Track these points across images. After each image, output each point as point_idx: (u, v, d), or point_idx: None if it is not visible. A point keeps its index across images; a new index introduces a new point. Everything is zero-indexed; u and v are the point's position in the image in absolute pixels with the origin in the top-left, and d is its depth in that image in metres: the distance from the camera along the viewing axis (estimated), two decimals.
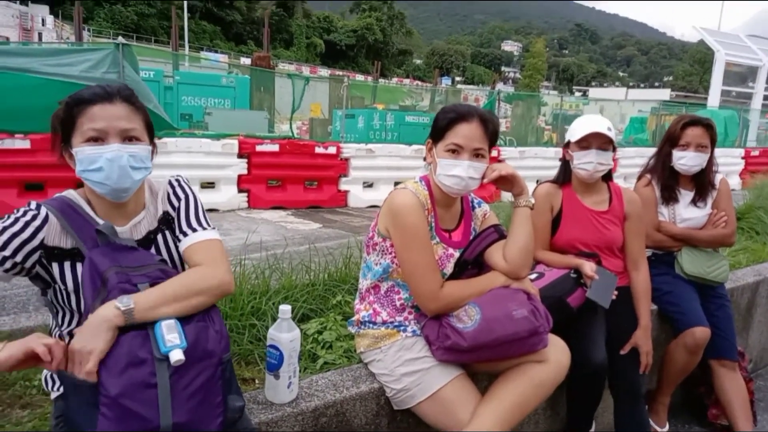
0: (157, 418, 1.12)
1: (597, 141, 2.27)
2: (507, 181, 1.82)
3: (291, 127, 9.70)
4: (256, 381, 1.88)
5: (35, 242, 1.29)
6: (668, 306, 2.66)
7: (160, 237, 1.46)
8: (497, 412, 1.65)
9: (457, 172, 1.76)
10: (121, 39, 7.45)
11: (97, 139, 1.31)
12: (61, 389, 1.32)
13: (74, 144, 1.33)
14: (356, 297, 1.99)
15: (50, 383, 1.38)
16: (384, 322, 1.85)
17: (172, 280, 1.30)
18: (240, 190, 7.96)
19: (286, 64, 52.60)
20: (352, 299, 2.46)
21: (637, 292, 2.38)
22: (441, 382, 1.73)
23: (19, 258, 1.27)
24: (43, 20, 46.03)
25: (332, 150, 8.54)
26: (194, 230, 1.44)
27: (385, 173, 9.07)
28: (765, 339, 3.61)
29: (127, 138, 1.34)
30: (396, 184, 9.12)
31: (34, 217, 1.30)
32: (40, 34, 43.35)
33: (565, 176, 2.44)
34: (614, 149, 2.32)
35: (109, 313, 1.17)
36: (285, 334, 1.59)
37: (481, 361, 1.76)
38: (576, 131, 2.31)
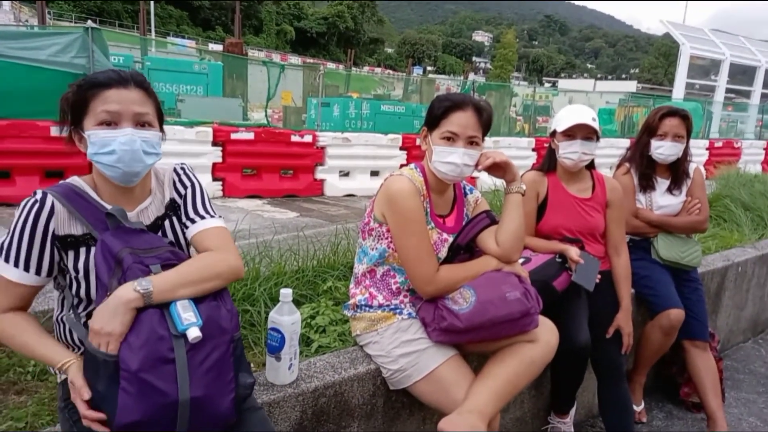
0: (176, 392, 1.15)
1: (582, 131, 2.35)
2: (500, 169, 1.87)
3: (266, 115, 9.60)
4: (252, 365, 1.90)
5: (48, 239, 1.31)
6: (645, 289, 2.77)
7: (167, 223, 1.47)
8: (491, 390, 1.71)
9: (453, 159, 1.80)
10: (90, 23, 7.22)
11: (110, 123, 1.32)
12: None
13: (86, 127, 1.32)
14: (351, 281, 2.03)
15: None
16: (380, 305, 1.89)
17: (189, 263, 1.33)
18: (215, 179, 7.87)
19: (255, 51, 51.78)
20: (342, 285, 2.49)
21: (618, 276, 2.48)
22: (436, 362, 1.78)
23: (45, 263, 1.32)
24: None
25: (308, 138, 8.50)
26: (202, 217, 1.47)
27: (362, 162, 9.08)
28: (732, 321, 3.79)
29: (140, 123, 1.35)
30: (372, 173, 9.20)
31: (39, 213, 1.30)
32: None
33: (550, 164, 2.51)
34: (598, 139, 2.40)
35: (128, 295, 1.19)
36: (286, 317, 1.62)
37: (475, 342, 1.83)
38: (562, 121, 2.38)
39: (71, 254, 1.33)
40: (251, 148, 8.05)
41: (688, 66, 17.35)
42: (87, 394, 1.19)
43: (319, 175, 8.75)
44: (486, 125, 1.86)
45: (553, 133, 2.47)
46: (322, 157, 8.70)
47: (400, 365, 1.81)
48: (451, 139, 1.81)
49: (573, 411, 2.49)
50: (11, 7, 44.82)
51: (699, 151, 13.23)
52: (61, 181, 1.38)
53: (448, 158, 1.81)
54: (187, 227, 1.47)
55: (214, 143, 7.78)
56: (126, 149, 1.31)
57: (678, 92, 17.40)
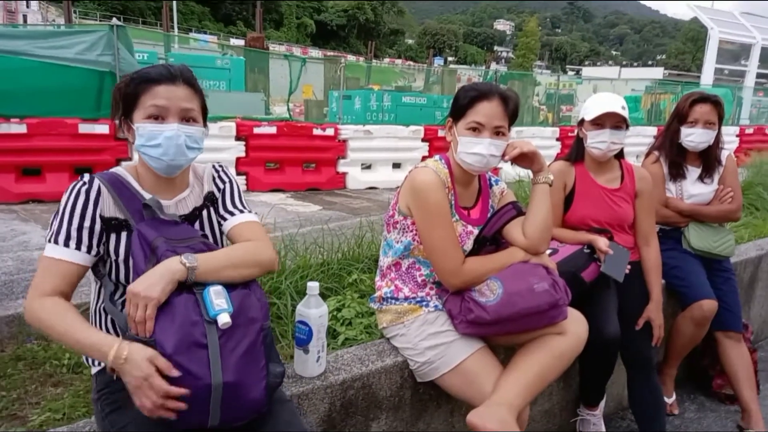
0: (209, 376, 1.17)
1: (611, 120, 2.30)
2: (527, 159, 1.84)
3: (288, 109, 9.63)
4: (279, 357, 1.91)
5: (96, 217, 1.35)
6: (676, 280, 2.72)
7: (204, 213, 1.53)
8: (520, 383, 1.70)
9: (479, 150, 1.78)
10: (115, 21, 7.32)
11: (158, 117, 1.37)
12: (103, 364, 1.35)
13: (135, 119, 1.38)
14: (377, 274, 2.02)
15: (90, 359, 1.41)
16: (406, 298, 1.89)
17: (234, 247, 1.41)
18: (238, 173, 7.91)
19: (276, 45, 52.01)
20: (367, 277, 2.50)
21: (649, 267, 2.43)
22: (463, 354, 1.77)
23: (95, 242, 1.34)
24: (27, 2, 45.11)
25: (330, 132, 8.50)
26: (240, 211, 1.54)
27: (383, 154, 9.05)
28: (766, 311, 3.69)
29: (185, 119, 1.40)
30: (394, 165, 9.18)
31: (87, 193, 1.35)
32: (24, 16, 42.56)
33: (578, 154, 2.46)
34: (627, 127, 2.34)
35: (174, 266, 1.23)
36: (313, 310, 1.63)
37: (503, 334, 1.81)
38: (590, 110, 2.33)
39: (113, 237, 1.37)
40: (274, 142, 8.08)
41: (717, 51, 16.90)
42: (176, 372, 1.16)
43: (341, 168, 8.75)
44: (512, 115, 1.84)
45: (581, 122, 2.42)
46: (344, 150, 8.69)
47: (427, 357, 1.80)
48: (476, 129, 1.79)
49: (603, 403, 2.46)
50: (39, 6, 45.80)
51: (729, 138, 12.90)
52: (105, 171, 1.44)
53: (473, 149, 1.79)
54: (225, 219, 1.53)
55: (238, 138, 7.83)
56: (171, 143, 1.36)
57: (707, 78, 16.97)
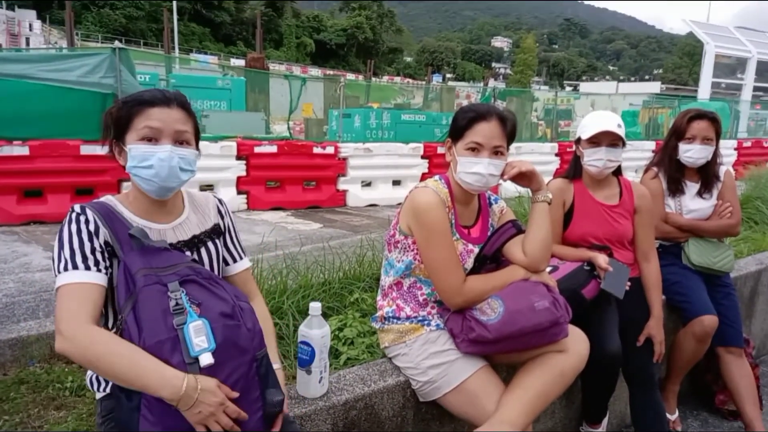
0: None
1: (607, 138, 2.33)
2: (525, 178, 1.87)
3: (288, 128, 9.71)
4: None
5: (99, 240, 1.33)
6: (676, 296, 2.72)
7: (210, 244, 1.54)
8: (522, 402, 1.70)
9: (478, 170, 1.80)
10: (117, 43, 7.41)
11: (151, 138, 1.38)
12: (107, 390, 1.36)
13: (128, 141, 1.39)
14: (378, 293, 2.04)
15: (95, 384, 1.41)
16: (408, 317, 1.90)
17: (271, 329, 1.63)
18: (239, 192, 7.96)
19: (276, 64, 52.46)
20: (368, 296, 2.51)
21: (649, 283, 2.44)
22: (466, 373, 1.78)
23: (107, 263, 1.33)
24: (30, 25, 45.60)
25: (330, 150, 8.56)
26: (240, 257, 1.65)
27: (383, 172, 9.10)
28: (767, 326, 3.69)
29: (179, 141, 1.41)
30: (394, 182, 9.22)
31: (87, 221, 1.33)
32: (27, 39, 42.95)
33: (575, 171, 2.49)
34: (624, 145, 2.37)
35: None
36: (316, 331, 1.64)
37: (504, 352, 1.81)
38: (587, 128, 2.37)
39: (114, 262, 1.35)
40: (274, 160, 8.13)
41: (714, 65, 17.04)
42: (236, 393, 1.22)
43: (341, 186, 8.79)
44: (510, 135, 1.86)
45: (578, 140, 2.45)
46: (344, 168, 8.74)
47: (429, 377, 1.81)
48: (476, 149, 1.82)
49: (605, 420, 2.45)
50: (42, 29, 46.30)
51: (727, 152, 12.94)
52: (94, 200, 1.42)
53: (473, 168, 1.81)
54: (227, 264, 1.62)
55: (238, 157, 7.88)
56: (164, 165, 1.36)
57: (703, 92, 17.10)
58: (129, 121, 1.39)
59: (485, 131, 1.81)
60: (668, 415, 2.76)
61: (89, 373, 1.42)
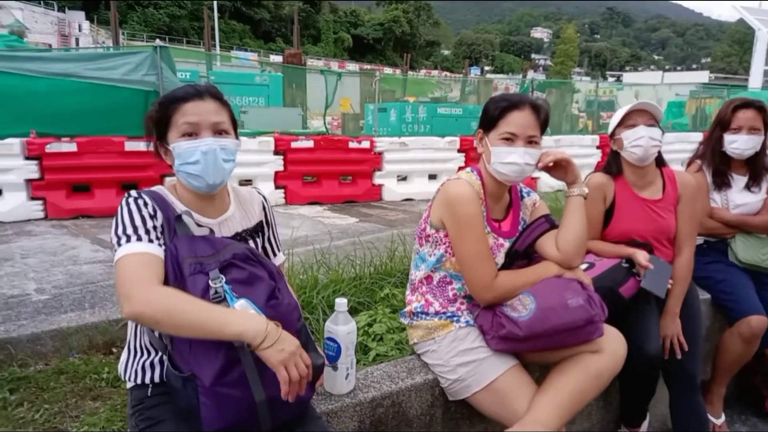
0: (251, 395, 1.21)
1: (642, 118, 2.24)
2: (561, 168, 1.81)
3: (325, 123, 9.76)
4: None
5: (155, 217, 1.36)
6: (722, 294, 2.60)
7: (251, 242, 1.56)
8: (554, 403, 1.65)
9: (514, 159, 1.75)
10: (159, 42, 7.60)
11: (191, 133, 1.41)
12: (138, 380, 1.38)
13: (170, 140, 1.42)
14: (407, 288, 2.01)
15: (126, 374, 1.42)
16: (437, 313, 1.87)
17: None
18: (277, 187, 8.05)
19: (314, 59, 52.91)
20: (399, 292, 2.48)
21: (677, 274, 2.30)
22: (496, 372, 1.73)
23: (163, 239, 1.34)
24: (79, 26, 47.30)
25: (366, 144, 8.56)
26: (276, 253, 1.68)
27: (419, 166, 9.04)
28: None
29: (218, 131, 1.43)
30: (430, 176, 9.15)
31: (145, 203, 1.37)
32: (77, 40, 44.53)
33: (616, 167, 2.38)
34: (660, 128, 2.27)
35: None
36: (342, 327, 1.63)
37: (536, 351, 1.76)
38: (619, 113, 2.30)
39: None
40: (311, 155, 8.19)
41: (766, 52, 16.26)
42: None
43: (377, 181, 8.78)
44: (543, 123, 1.81)
45: (612, 135, 2.35)
46: (380, 162, 8.73)
47: (458, 375, 1.77)
48: (510, 139, 1.77)
49: (646, 424, 2.36)
50: (90, 30, 47.97)
51: None
52: (146, 189, 1.46)
53: (508, 158, 1.76)
54: (274, 256, 1.66)
55: (276, 152, 7.97)
56: (209, 159, 1.39)
57: (755, 81, 16.37)
58: (168, 121, 1.42)
59: (519, 120, 1.76)
60: (713, 419, 2.64)
61: (122, 363, 1.44)
